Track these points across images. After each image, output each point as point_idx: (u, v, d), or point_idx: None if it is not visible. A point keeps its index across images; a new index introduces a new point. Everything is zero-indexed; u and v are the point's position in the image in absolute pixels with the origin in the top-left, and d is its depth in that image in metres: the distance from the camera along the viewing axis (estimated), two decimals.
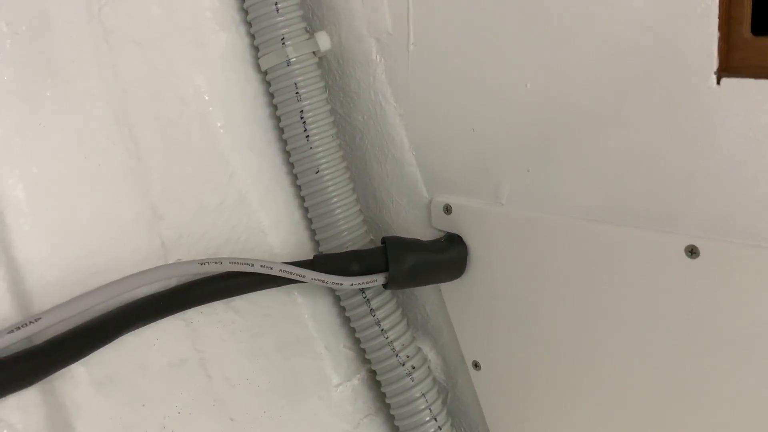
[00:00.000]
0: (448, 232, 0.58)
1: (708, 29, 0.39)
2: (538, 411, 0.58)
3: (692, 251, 0.43)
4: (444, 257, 0.57)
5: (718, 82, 0.40)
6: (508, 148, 0.52)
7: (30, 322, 0.42)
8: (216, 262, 0.49)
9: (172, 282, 0.53)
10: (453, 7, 0.52)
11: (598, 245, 0.48)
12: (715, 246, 0.42)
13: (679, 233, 0.44)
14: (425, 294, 0.64)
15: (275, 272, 0.51)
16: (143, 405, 0.51)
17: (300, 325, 0.63)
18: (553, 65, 0.47)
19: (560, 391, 0.55)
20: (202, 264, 0.48)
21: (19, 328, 0.42)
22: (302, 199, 0.62)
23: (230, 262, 0.49)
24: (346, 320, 0.64)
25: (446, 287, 0.60)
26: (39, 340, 0.45)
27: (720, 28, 0.39)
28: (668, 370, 0.47)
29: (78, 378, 0.48)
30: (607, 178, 0.47)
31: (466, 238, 0.57)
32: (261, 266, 0.50)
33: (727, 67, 0.40)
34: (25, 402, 0.45)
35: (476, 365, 0.60)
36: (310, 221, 0.63)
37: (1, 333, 0.42)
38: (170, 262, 0.54)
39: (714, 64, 0.40)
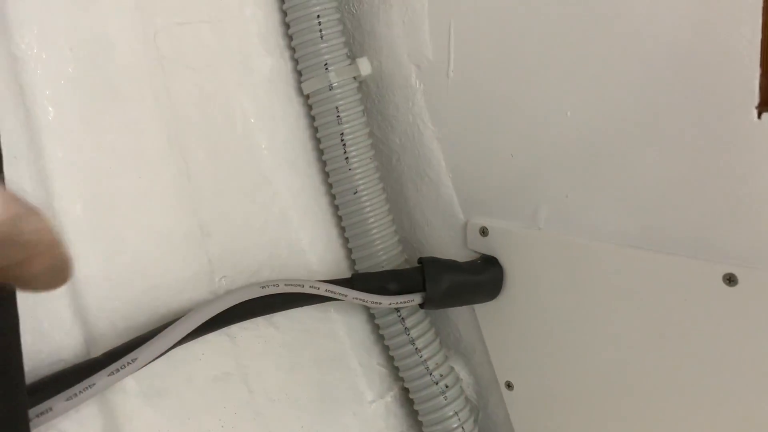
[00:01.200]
0: (483, 254, 0.60)
1: (750, 65, 0.41)
2: None
3: (730, 279, 0.44)
4: (480, 279, 0.58)
5: (759, 117, 0.41)
6: (548, 174, 0.53)
7: (128, 363, 0.44)
8: (274, 285, 0.52)
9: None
10: (494, 37, 0.54)
11: (635, 271, 0.49)
12: (754, 275, 0.43)
13: (716, 261, 0.45)
14: (458, 314, 0.65)
15: (322, 292, 0.53)
16: (189, 418, 0.52)
17: (335, 341, 0.64)
18: (594, 95, 0.49)
19: (593, 414, 0.56)
20: (262, 287, 0.51)
21: (118, 370, 0.44)
22: (339, 218, 0.64)
23: (285, 284, 0.52)
24: (380, 338, 0.65)
25: (480, 308, 0.61)
26: (97, 353, 0.47)
27: (762, 65, 0.40)
28: (705, 398, 0.48)
29: (128, 389, 0.50)
30: (646, 205, 0.48)
31: (502, 260, 0.58)
32: (310, 287, 0.52)
33: None
34: (83, 414, 0.47)
35: (509, 385, 0.61)
36: (346, 240, 0.64)
37: (100, 376, 0.44)
38: (216, 278, 0.56)
39: (755, 99, 0.41)
